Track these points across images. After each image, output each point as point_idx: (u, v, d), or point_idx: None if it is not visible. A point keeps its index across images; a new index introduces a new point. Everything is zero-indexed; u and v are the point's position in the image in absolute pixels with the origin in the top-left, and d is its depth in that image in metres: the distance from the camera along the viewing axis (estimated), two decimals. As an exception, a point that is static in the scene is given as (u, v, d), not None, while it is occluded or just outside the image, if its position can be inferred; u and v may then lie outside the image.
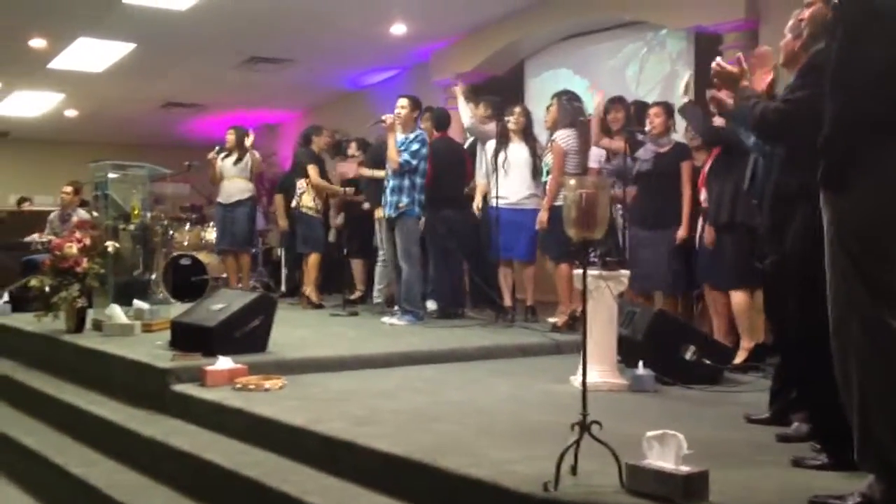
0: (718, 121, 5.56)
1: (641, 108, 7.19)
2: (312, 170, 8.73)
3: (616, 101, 7.32)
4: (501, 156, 7.40)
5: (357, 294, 9.13)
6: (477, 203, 7.79)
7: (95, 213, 7.69)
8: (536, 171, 7.35)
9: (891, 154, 2.61)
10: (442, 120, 8.26)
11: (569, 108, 7.11)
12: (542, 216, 6.97)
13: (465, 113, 8.14)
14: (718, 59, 3.78)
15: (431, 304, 8.08)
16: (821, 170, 2.70)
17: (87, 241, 6.60)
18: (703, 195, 6.11)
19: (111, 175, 7.32)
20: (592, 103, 8.92)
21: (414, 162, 7.29)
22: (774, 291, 3.96)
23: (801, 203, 3.34)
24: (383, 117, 7.55)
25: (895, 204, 2.61)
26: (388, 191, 7.43)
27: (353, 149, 9.38)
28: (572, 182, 3.26)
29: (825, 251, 2.74)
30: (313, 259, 8.73)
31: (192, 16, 9.58)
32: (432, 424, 3.99)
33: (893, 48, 2.60)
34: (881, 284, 2.63)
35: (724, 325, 5.98)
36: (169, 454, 4.36)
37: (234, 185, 9.27)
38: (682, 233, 6.32)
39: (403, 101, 7.50)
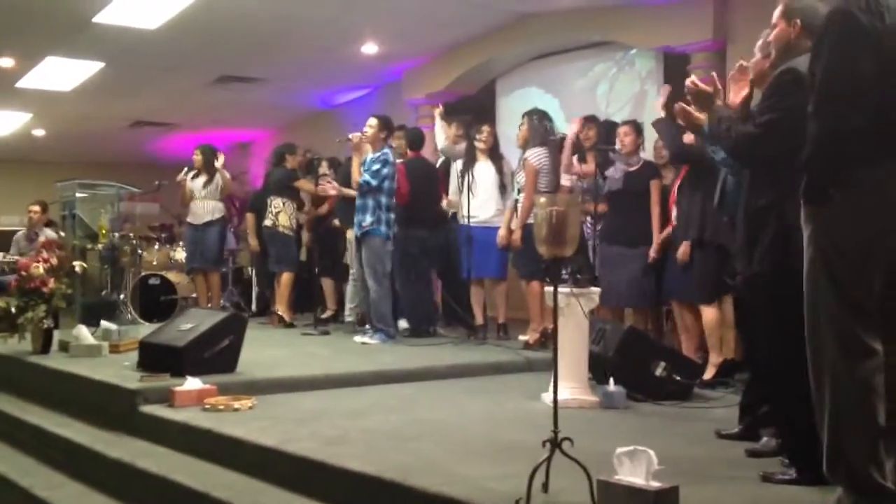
0: (689, 138, 5.61)
1: (611, 127, 7.25)
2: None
3: (589, 120, 7.37)
4: (468, 176, 7.42)
5: (328, 313, 9.09)
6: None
7: (62, 233, 7.62)
8: (504, 189, 7.37)
9: (873, 171, 2.65)
10: (416, 140, 8.27)
11: (539, 127, 7.14)
12: (516, 235, 6.98)
13: (441, 135, 8.17)
14: (693, 77, 3.83)
15: (403, 323, 8.06)
16: (804, 185, 2.71)
17: (54, 261, 6.53)
18: (674, 213, 6.16)
19: (79, 194, 7.28)
20: (565, 124, 9.00)
21: (374, 182, 7.25)
22: (746, 308, 4.00)
23: (771, 220, 3.37)
24: (350, 136, 7.55)
25: (875, 220, 2.65)
26: (357, 210, 7.40)
27: (323, 167, 9.35)
28: (543, 200, 3.28)
29: (804, 267, 2.76)
30: (286, 278, 8.62)
31: (161, 34, 9.53)
32: (404, 443, 3.97)
33: (878, 64, 2.64)
34: (857, 302, 2.66)
35: (694, 342, 6.02)
36: (136, 476, 4.30)
37: (205, 206, 9.21)
38: (653, 253, 6.36)
39: (372, 121, 7.48)
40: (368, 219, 7.26)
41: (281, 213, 8.60)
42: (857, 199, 2.64)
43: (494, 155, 7.50)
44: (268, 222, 8.71)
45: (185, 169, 9.36)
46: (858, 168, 2.64)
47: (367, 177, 7.27)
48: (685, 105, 3.96)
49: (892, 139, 2.65)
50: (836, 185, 2.65)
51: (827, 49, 2.67)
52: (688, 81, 3.74)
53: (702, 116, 4.01)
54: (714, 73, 3.85)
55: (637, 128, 6.70)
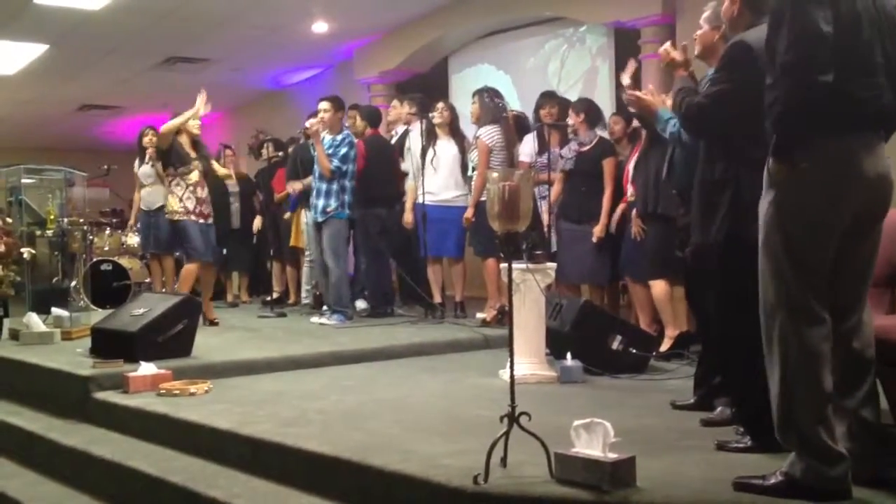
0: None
1: (564, 104, 7.25)
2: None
3: (550, 97, 7.35)
4: (430, 153, 7.38)
5: (275, 295, 9.03)
6: (407, 216, 7.65)
7: (9, 220, 7.45)
8: (465, 168, 7.36)
9: (835, 140, 2.67)
10: (373, 117, 8.23)
11: (490, 104, 7.12)
12: (468, 212, 6.99)
13: None
14: (667, 44, 3.92)
15: (361, 304, 8.04)
16: (773, 144, 2.72)
17: (2, 248, 6.41)
18: (629, 189, 6.20)
19: (25, 180, 7.11)
20: (517, 101, 9.00)
21: (344, 167, 7.24)
22: (696, 280, 4.04)
23: (726, 192, 3.40)
24: (307, 124, 7.47)
25: (835, 190, 2.67)
26: (315, 194, 7.33)
27: (269, 150, 9.24)
28: (495, 175, 3.27)
29: (760, 235, 2.79)
30: (190, 269, 7.21)
31: (105, 15, 9.35)
32: (362, 423, 3.96)
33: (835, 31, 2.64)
34: (812, 269, 2.69)
35: (648, 316, 6.08)
36: (92, 463, 4.25)
37: (155, 192, 9.04)
38: (598, 230, 6.39)
39: (325, 104, 7.38)
40: (333, 203, 7.22)
41: (171, 197, 7.30)
42: (820, 167, 2.66)
43: (455, 132, 7.47)
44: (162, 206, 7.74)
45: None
46: (822, 136, 2.66)
47: (336, 162, 7.22)
48: (636, 92, 4.03)
49: (849, 111, 2.67)
50: (801, 152, 2.67)
51: (791, 14, 2.66)
52: (661, 50, 3.87)
53: (652, 100, 4.10)
54: (685, 43, 3.90)
55: (587, 106, 6.72)
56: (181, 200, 7.05)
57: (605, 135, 6.74)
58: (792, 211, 2.70)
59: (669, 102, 4.38)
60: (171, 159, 7.13)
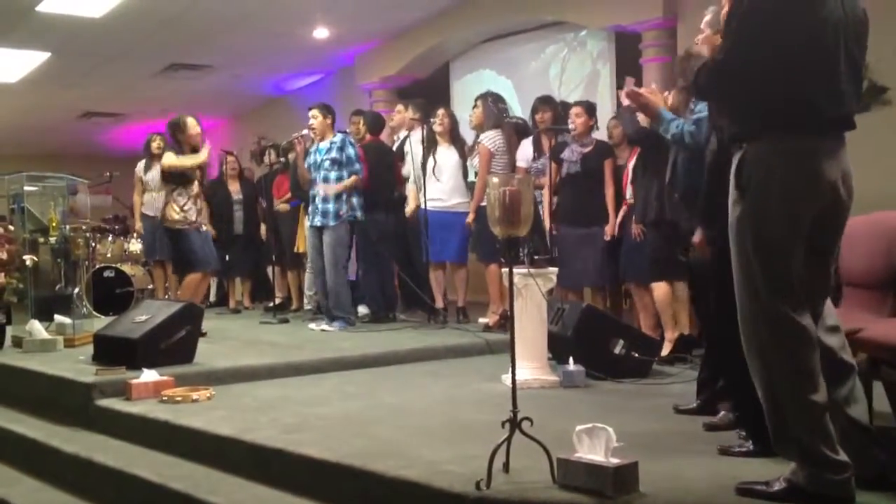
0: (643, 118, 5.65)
1: (565, 108, 7.24)
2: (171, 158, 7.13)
3: (544, 102, 7.35)
4: (430, 162, 7.37)
5: (277, 302, 9.04)
6: (410, 206, 7.69)
7: (12, 227, 7.45)
8: (466, 174, 7.36)
9: (795, 141, 2.66)
10: (375, 123, 8.24)
11: (493, 109, 7.13)
12: (469, 217, 6.98)
13: None
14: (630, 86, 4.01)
15: (363, 309, 8.03)
16: (735, 166, 2.73)
17: (4, 256, 6.41)
18: (628, 192, 6.20)
19: (27, 187, 7.10)
20: (518, 106, 9.01)
21: (358, 166, 7.31)
22: (701, 283, 4.03)
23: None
24: (299, 134, 7.49)
25: (791, 197, 2.65)
26: (321, 199, 7.31)
27: (271, 156, 9.22)
28: (496, 180, 3.26)
29: (732, 254, 2.77)
30: (195, 278, 7.06)
31: (107, 23, 9.36)
32: (364, 429, 3.95)
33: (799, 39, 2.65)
34: (780, 274, 2.66)
35: (650, 320, 6.07)
36: (94, 470, 4.24)
37: (160, 198, 9.03)
38: (609, 229, 6.41)
39: (314, 112, 7.39)
40: (343, 206, 7.23)
41: (168, 206, 7.09)
42: (780, 170, 2.65)
43: (456, 139, 7.47)
44: (160, 214, 7.41)
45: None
46: (781, 140, 2.66)
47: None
48: (636, 89, 4.02)
49: (807, 117, 2.66)
50: (754, 164, 2.67)
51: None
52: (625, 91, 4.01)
53: (653, 99, 4.08)
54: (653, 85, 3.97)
55: (589, 109, 6.72)
56: (182, 210, 6.95)
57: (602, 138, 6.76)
58: (755, 216, 2.67)
59: (671, 101, 4.38)
60: (179, 179, 7.03)
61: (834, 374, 2.77)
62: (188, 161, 6.98)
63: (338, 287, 7.24)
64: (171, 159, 7.01)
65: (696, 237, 3.82)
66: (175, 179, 7.01)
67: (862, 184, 2.82)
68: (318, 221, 7.29)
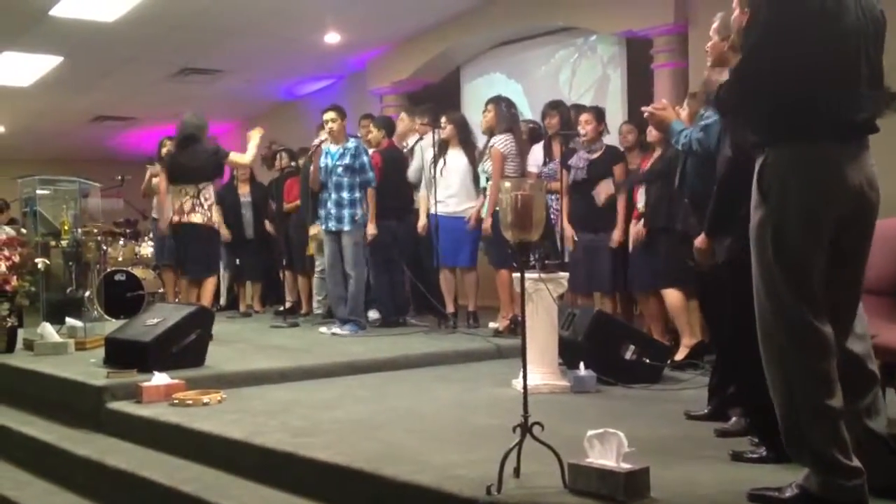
0: (653, 135, 5.73)
1: (577, 111, 7.24)
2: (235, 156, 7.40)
3: (553, 107, 7.35)
4: (440, 162, 7.39)
5: (287, 305, 9.04)
6: (422, 221, 7.63)
7: (24, 230, 7.49)
8: (476, 179, 7.36)
9: (814, 146, 2.65)
10: (389, 127, 8.26)
11: (506, 113, 7.13)
12: (486, 222, 6.96)
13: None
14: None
15: (374, 314, 8.04)
16: (757, 171, 2.72)
17: (16, 259, 6.43)
18: (638, 199, 6.18)
19: (40, 191, 7.13)
20: (529, 110, 9.01)
21: (371, 174, 7.36)
22: (710, 289, 4.02)
23: (743, 201, 3.37)
24: (318, 141, 7.49)
25: (812, 203, 2.64)
26: (335, 204, 7.31)
27: (282, 160, 9.24)
28: (508, 185, 3.26)
29: (753, 259, 2.76)
30: (214, 282, 7.21)
31: (120, 27, 9.41)
32: (375, 432, 3.95)
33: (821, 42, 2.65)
34: (805, 283, 2.65)
35: (660, 326, 6.06)
36: (105, 473, 4.25)
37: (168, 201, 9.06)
38: (617, 235, 6.40)
39: (331, 115, 7.37)
40: (359, 211, 7.27)
41: (193, 209, 7.03)
42: (801, 177, 2.64)
43: (466, 144, 7.46)
44: (180, 218, 7.09)
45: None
46: (801, 145, 2.65)
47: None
48: (647, 108, 4.06)
49: (827, 122, 2.65)
50: (778, 169, 2.66)
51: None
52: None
53: (667, 114, 4.10)
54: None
55: (598, 115, 6.71)
56: (208, 209, 7.01)
57: (608, 142, 6.75)
58: (776, 221, 2.66)
59: (684, 114, 4.40)
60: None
61: (859, 384, 2.76)
62: (247, 158, 7.39)
63: (358, 290, 7.26)
64: (235, 157, 7.36)
65: (699, 241, 3.81)
66: (199, 177, 7.02)
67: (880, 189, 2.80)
68: (332, 226, 7.30)
